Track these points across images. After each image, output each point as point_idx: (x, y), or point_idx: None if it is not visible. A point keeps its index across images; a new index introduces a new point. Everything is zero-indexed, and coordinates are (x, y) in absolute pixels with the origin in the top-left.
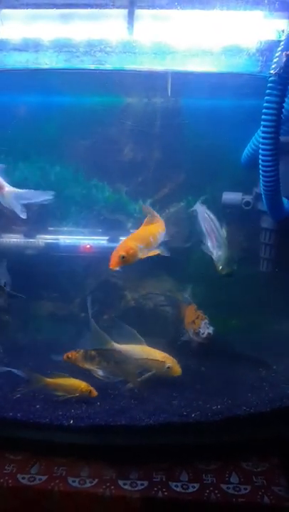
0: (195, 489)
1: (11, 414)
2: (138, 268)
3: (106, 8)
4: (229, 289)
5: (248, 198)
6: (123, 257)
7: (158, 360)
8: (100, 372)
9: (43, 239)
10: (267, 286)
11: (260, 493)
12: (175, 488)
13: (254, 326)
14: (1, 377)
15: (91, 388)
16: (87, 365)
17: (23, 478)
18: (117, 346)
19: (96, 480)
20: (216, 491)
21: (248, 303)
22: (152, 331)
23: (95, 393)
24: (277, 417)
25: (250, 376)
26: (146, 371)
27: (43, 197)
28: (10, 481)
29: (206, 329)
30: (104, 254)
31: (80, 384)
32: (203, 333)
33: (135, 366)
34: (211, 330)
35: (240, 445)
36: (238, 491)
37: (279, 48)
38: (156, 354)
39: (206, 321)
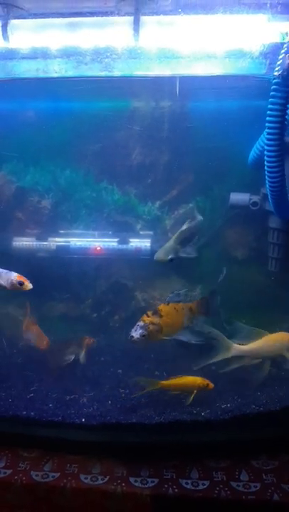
0: (205, 486)
1: (24, 412)
2: (148, 269)
3: (112, 15)
4: (238, 288)
5: (256, 198)
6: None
7: None
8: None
9: (55, 242)
10: (276, 285)
11: (269, 490)
12: (185, 486)
13: (263, 325)
14: (15, 376)
15: (207, 381)
16: None
17: (37, 475)
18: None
19: (107, 477)
20: (226, 489)
21: (257, 302)
22: None
23: (211, 385)
24: (286, 415)
25: (259, 374)
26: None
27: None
28: (24, 478)
29: (134, 332)
30: (114, 256)
31: (195, 380)
32: (131, 337)
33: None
34: (138, 334)
35: (250, 443)
36: (247, 489)
37: (282, 51)
38: None
39: (142, 323)
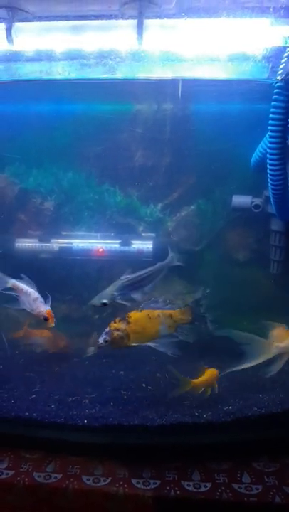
0: (207, 488)
1: (26, 413)
2: None
3: (116, 19)
4: (240, 290)
5: (258, 200)
6: None
7: None
8: None
9: (57, 243)
10: (277, 287)
11: (271, 492)
12: (187, 488)
13: (265, 328)
14: (17, 377)
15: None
16: None
17: (39, 476)
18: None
19: (109, 478)
20: (228, 491)
21: (259, 304)
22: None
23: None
24: (288, 418)
25: (261, 377)
26: None
27: None
28: (26, 479)
29: (100, 338)
30: (116, 258)
31: (214, 372)
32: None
33: None
34: (102, 339)
35: (252, 445)
36: (249, 491)
37: (285, 54)
38: None
39: (107, 329)
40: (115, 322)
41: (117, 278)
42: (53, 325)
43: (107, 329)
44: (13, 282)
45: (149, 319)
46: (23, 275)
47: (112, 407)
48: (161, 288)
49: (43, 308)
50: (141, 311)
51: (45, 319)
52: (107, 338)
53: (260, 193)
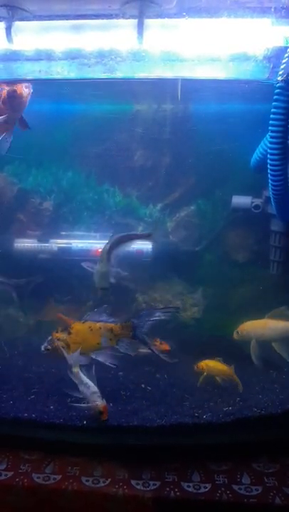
0: (207, 489)
1: (25, 414)
2: (149, 271)
3: (116, 18)
4: (240, 290)
5: (258, 201)
6: None
7: None
8: None
9: (56, 243)
10: (277, 288)
11: (271, 494)
12: (187, 489)
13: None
14: (16, 378)
15: None
16: None
17: (38, 477)
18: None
19: (109, 479)
20: (228, 492)
21: (259, 305)
22: (163, 333)
23: None
24: (288, 418)
25: (260, 378)
26: None
27: None
28: (25, 481)
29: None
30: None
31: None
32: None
33: None
34: (43, 347)
35: (252, 446)
36: (249, 492)
37: (286, 55)
38: None
39: (49, 337)
40: (58, 331)
41: (116, 278)
42: (106, 418)
43: (50, 338)
44: (76, 371)
45: (91, 331)
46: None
47: (112, 408)
48: (161, 288)
49: (100, 402)
50: (84, 322)
51: (100, 413)
52: (48, 347)
53: (260, 194)
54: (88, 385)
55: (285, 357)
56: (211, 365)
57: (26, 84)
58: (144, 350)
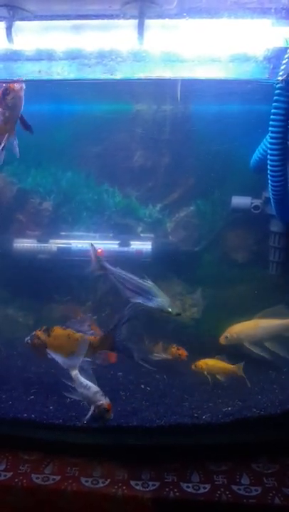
0: (206, 490)
1: (25, 415)
2: (148, 272)
3: (116, 18)
4: (239, 291)
5: (257, 202)
6: None
7: None
8: None
9: (56, 243)
10: (276, 288)
11: (270, 494)
12: (186, 489)
13: None
14: (15, 378)
15: None
16: None
17: (37, 478)
18: None
19: (108, 480)
20: (227, 492)
21: (258, 305)
22: (163, 334)
23: None
24: (287, 419)
25: (260, 378)
26: None
27: None
28: (25, 481)
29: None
30: (115, 258)
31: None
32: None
33: None
34: (26, 339)
35: (251, 446)
36: (248, 492)
37: (286, 55)
38: None
39: (33, 333)
40: (41, 330)
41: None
42: (111, 416)
43: (33, 333)
44: (75, 374)
45: (68, 339)
46: None
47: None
48: (160, 289)
49: (104, 400)
50: (65, 328)
51: (106, 411)
52: (29, 341)
53: (260, 194)
54: (88, 386)
55: (282, 354)
56: (211, 363)
57: (18, 82)
58: (158, 355)
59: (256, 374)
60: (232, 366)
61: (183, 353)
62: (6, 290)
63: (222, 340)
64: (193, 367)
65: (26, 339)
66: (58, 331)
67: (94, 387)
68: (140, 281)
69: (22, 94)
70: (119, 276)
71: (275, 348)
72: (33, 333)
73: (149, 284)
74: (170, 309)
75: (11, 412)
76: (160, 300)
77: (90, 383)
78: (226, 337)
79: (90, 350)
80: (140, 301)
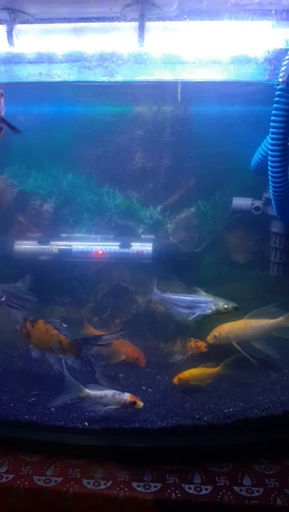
0: (208, 491)
1: (26, 417)
2: (149, 273)
3: (117, 21)
4: (240, 292)
5: (258, 203)
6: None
7: None
8: None
9: (57, 245)
10: (277, 289)
11: (272, 495)
12: (188, 491)
13: None
14: (16, 380)
15: None
16: None
17: (39, 480)
18: None
19: (110, 482)
20: (229, 493)
21: (259, 306)
22: (163, 335)
23: None
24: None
25: (261, 379)
26: None
27: None
28: (26, 483)
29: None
30: (115, 260)
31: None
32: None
33: None
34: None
35: (253, 448)
36: (250, 493)
37: (287, 57)
38: None
39: (23, 324)
40: (29, 321)
41: (116, 280)
42: (142, 404)
43: (23, 323)
44: (87, 392)
45: (46, 333)
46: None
47: (112, 410)
48: (161, 290)
49: (125, 396)
50: (46, 323)
51: (133, 403)
52: (17, 329)
53: (260, 195)
54: (105, 394)
55: (271, 354)
56: (196, 373)
57: None
58: (178, 355)
59: (257, 375)
60: (216, 369)
61: (202, 344)
62: None
63: (210, 339)
64: (176, 380)
65: (17, 326)
66: (40, 324)
67: (108, 392)
68: (190, 296)
69: (2, 99)
70: (170, 299)
71: (264, 347)
72: (23, 323)
73: (202, 294)
74: (226, 306)
75: (13, 413)
76: (214, 303)
77: (102, 391)
78: (215, 336)
79: (60, 347)
80: (198, 313)
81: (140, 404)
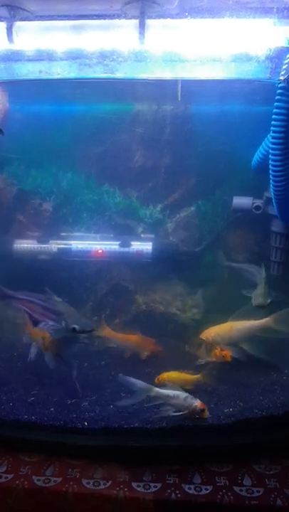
0: (208, 491)
1: (25, 416)
2: (149, 272)
3: (118, 18)
4: (240, 292)
5: (259, 202)
6: None
7: None
8: None
9: (56, 244)
10: (278, 288)
11: (272, 495)
12: (188, 491)
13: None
14: (15, 379)
15: None
16: None
17: (38, 480)
18: None
19: (110, 482)
20: (229, 493)
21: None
22: (163, 334)
23: None
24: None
25: (261, 379)
26: None
27: None
28: (26, 483)
29: None
30: (115, 259)
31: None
32: None
33: None
34: None
35: (253, 448)
36: (250, 494)
37: (288, 55)
38: None
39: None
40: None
41: (115, 279)
42: (209, 415)
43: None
44: (156, 390)
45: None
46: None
47: (112, 410)
48: (161, 289)
49: (196, 402)
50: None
51: (202, 411)
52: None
53: (261, 194)
54: (177, 395)
55: (258, 355)
56: (174, 376)
57: None
58: (202, 359)
59: (257, 375)
60: (196, 376)
61: (227, 353)
62: None
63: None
64: (156, 380)
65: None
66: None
67: (181, 394)
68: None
69: None
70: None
71: (251, 348)
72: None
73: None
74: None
75: (12, 413)
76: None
77: (175, 391)
78: (203, 340)
79: (42, 342)
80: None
81: (207, 414)
